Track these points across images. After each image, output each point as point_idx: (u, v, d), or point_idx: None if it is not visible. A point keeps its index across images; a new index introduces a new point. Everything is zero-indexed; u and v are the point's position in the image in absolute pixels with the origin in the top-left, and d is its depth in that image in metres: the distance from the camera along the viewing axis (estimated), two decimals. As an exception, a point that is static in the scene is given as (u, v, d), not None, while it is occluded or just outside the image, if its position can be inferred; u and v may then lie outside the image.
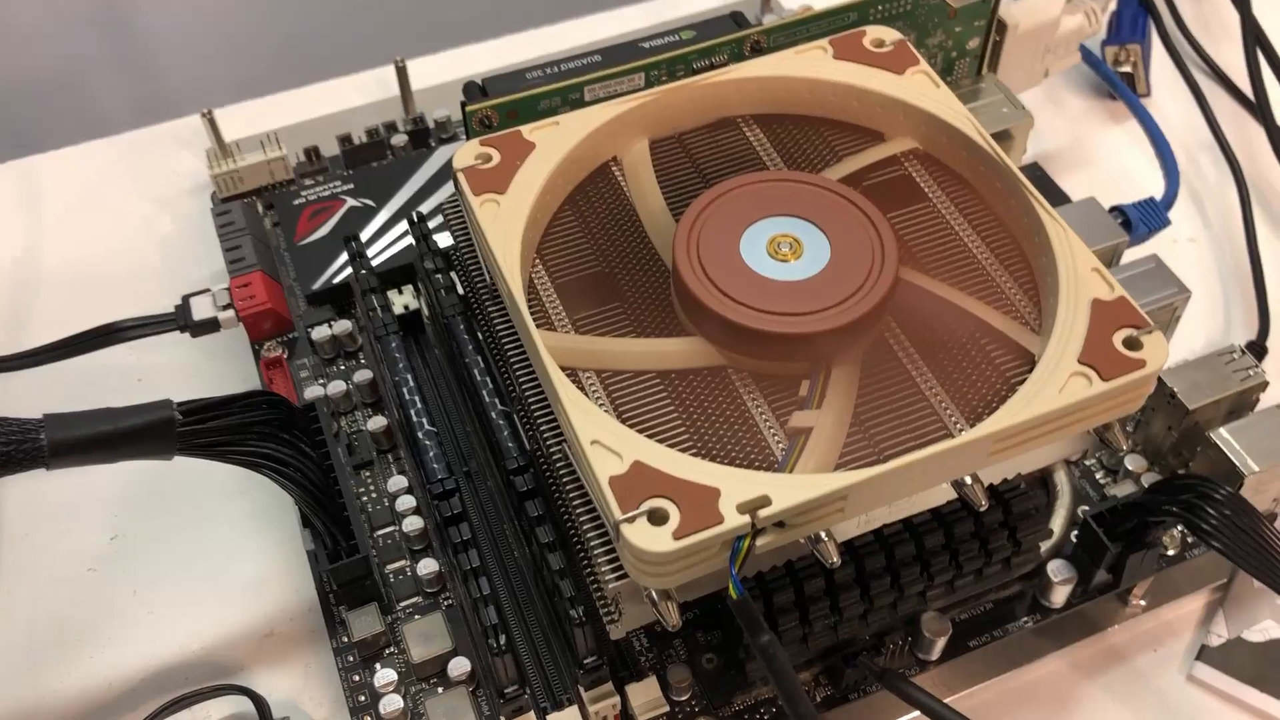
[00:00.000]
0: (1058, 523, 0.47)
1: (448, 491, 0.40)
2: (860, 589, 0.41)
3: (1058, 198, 0.57)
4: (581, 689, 0.40)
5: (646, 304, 0.40)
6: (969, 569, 0.43)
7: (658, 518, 0.34)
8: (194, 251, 0.60)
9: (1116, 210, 0.52)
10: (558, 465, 0.38)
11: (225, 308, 0.52)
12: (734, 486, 0.34)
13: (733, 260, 0.39)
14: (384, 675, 0.43)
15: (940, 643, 0.43)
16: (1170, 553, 0.47)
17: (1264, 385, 0.46)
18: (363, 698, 0.43)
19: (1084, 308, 0.38)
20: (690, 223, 0.40)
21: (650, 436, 0.36)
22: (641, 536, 0.33)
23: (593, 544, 0.36)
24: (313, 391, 0.51)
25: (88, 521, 0.51)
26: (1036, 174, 0.60)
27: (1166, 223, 0.53)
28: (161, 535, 0.50)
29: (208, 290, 0.52)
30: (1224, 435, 0.45)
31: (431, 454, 0.42)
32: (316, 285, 0.53)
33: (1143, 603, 0.46)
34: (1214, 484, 0.40)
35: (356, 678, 0.43)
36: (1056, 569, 0.45)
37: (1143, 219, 0.52)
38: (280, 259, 0.56)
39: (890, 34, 0.46)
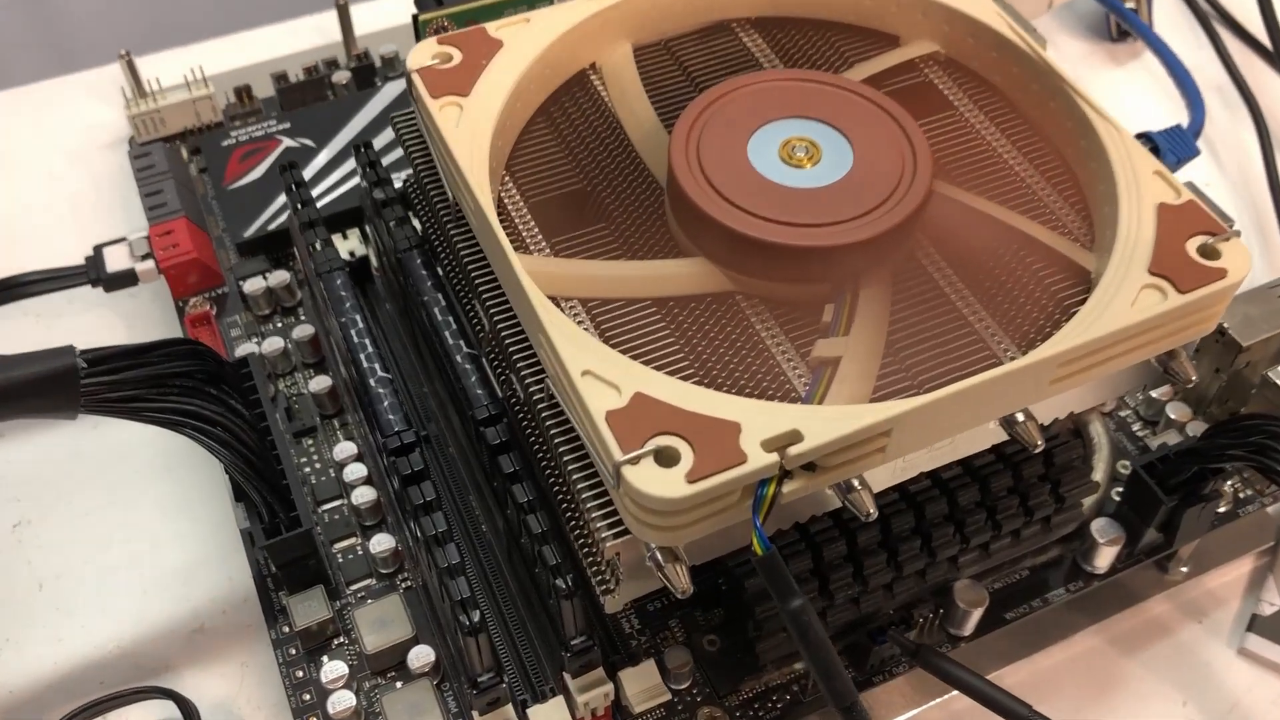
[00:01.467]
0: (1097, 478, 0.42)
1: (406, 446, 0.34)
2: (887, 553, 0.36)
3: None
4: (568, 676, 0.34)
5: (636, 224, 0.34)
6: (1007, 529, 0.37)
7: (666, 458, 0.28)
8: (110, 206, 0.53)
9: (1144, 137, 0.47)
10: (540, 409, 0.32)
11: (144, 258, 0.45)
12: (757, 421, 0.28)
13: (740, 166, 0.33)
14: (332, 669, 0.37)
15: (976, 614, 0.38)
16: (1222, 509, 0.42)
17: (1320, 321, 0.41)
18: (308, 696, 0.37)
19: (1149, 214, 0.33)
20: (689, 126, 0.34)
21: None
22: (647, 480, 0.27)
23: (584, 497, 0.30)
24: (245, 349, 0.44)
25: (-15, 506, 0.44)
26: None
27: (1196, 151, 0.48)
28: (72, 521, 0.43)
29: (124, 239, 0.46)
30: (1284, 373, 0.40)
31: (386, 403, 0.35)
32: (249, 233, 0.47)
33: (1185, 569, 0.41)
34: (1288, 423, 0.35)
35: (300, 673, 0.37)
36: (1102, 528, 0.39)
37: (1171, 147, 0.47)
38: (207, 207, 0.49)
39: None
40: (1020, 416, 0.32)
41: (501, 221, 0.34)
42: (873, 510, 0.30)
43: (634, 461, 0.27)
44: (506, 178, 0.35)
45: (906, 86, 0.38)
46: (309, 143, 0.50)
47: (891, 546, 0.36)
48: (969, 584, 0.38)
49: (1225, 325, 0.41)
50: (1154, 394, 0.44)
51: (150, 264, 0.45)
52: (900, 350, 0.32)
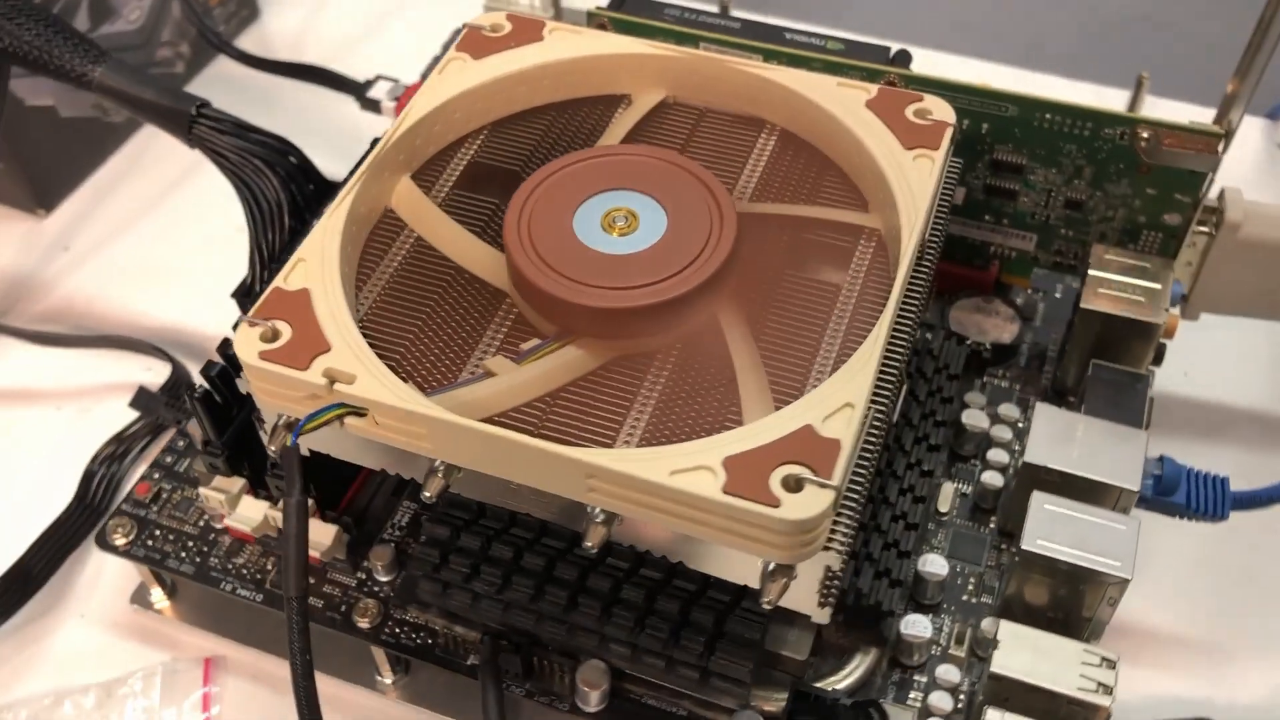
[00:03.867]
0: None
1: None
2: (536, 584, 0.39)
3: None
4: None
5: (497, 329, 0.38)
6: (652, 645, 0.39)
7: (271, 335, 0.35)
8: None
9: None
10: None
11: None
12: (350, 357, 0.35)
13: (571, 244, 0.38)
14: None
15: (588, 693, 0.40)
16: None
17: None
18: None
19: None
20: (516, 220, 0.39)
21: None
22: (245, 341, 0.35)
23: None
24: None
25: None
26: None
27: (1224, 515, 0.42)
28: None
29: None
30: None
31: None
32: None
33: None
34: None
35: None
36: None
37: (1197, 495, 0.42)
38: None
39: (941, 109, 0.40)
40: (598, 512, 0.34)
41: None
42: (431, 494, 0.35)
43: (251, 325, 0.35)
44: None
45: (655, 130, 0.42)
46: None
47: (544, 581, 0.39)
48: (601, 668, 0.40)
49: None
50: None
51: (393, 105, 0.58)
52: (555, 400, 0.35)
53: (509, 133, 0.43)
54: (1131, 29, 0.88)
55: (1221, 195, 0.46)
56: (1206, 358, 0.54)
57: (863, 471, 0.34)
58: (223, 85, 0.67)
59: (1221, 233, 0.46)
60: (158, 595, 0.47)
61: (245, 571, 0.44)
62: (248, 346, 0.35)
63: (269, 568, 0.45)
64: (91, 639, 0.47)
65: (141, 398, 0.50)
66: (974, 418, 0.46)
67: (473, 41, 0.44)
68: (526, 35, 0.44)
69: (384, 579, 0.44)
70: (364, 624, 0.43)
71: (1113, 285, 0.45)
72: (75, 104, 0.61)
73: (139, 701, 0.45)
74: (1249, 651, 0.45)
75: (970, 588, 0.43)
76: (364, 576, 0.44)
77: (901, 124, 0.39)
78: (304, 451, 0.36)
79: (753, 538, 0.32)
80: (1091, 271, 0.46)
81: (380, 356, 0.36)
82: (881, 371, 0.35)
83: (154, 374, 0.54)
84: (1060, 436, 0.42)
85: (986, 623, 0.42)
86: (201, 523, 0.45)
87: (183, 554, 0.45)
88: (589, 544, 0.34)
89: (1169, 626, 0.46)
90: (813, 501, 0.31)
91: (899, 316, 0.37)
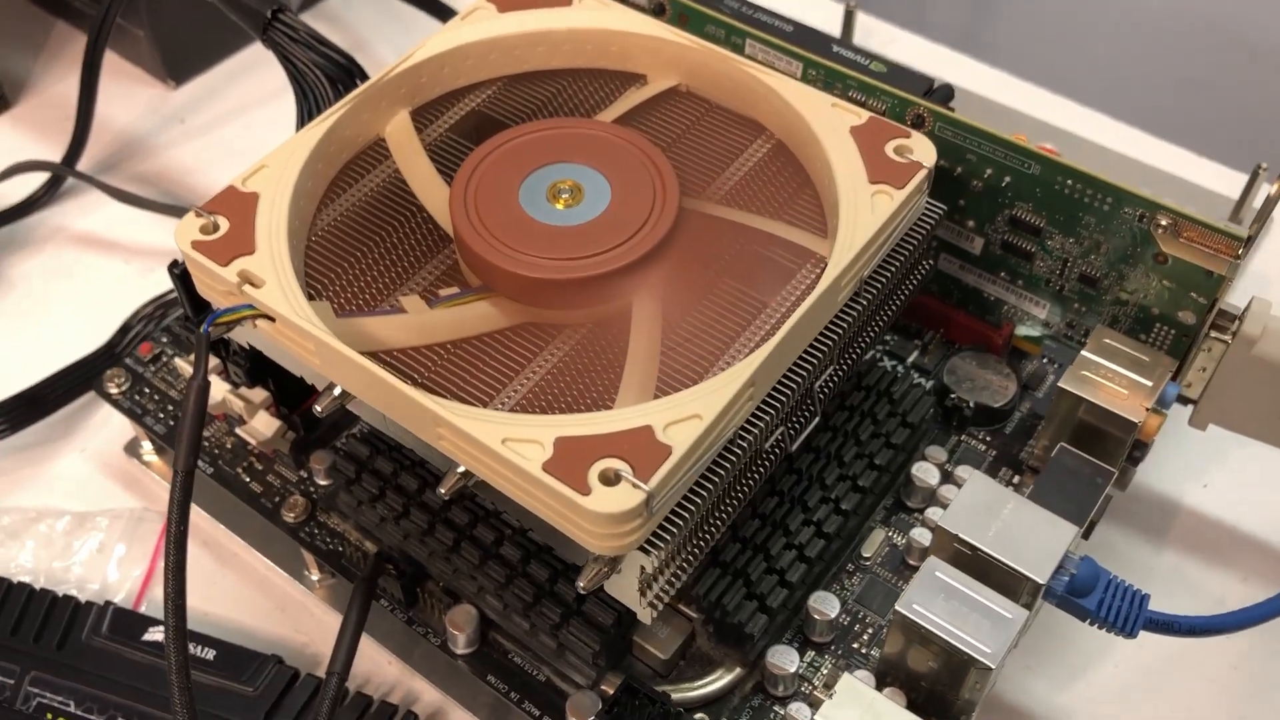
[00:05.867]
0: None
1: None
2: (429, 520, 0.41)
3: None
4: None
5: (435, 273, 0.40)
6: (516, 605, 0.40)
7: (212, 228, 0.38)
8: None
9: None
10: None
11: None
12: (268, 264, 0.37)
13: (514, 211, 0.39)
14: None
15: (455, 635, 0.41)
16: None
17: None
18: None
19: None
20: (465, 178, 0.40)
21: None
22: (186, 228, 0.38)
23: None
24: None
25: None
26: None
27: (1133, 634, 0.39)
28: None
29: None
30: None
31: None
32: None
33: None
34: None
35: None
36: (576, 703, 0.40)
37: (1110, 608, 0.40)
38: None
39: (923, 149, 0.39)
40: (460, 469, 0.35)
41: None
42: (320, 410, 0.37)
43: (197, 214, 0.38)
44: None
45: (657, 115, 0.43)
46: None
47: (438, 518, 0.41)
48: (472, 613, 0.41)
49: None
50: None
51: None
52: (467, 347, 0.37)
53: (519, 90, 0.44)
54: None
55: (1249, 305, 0.43)
56: (1231, 474, 0.50)
57: (711, 484, 0.34)
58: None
59: (1236, 343, 0.42)
60: (148, 449, 0.51)
61: (206, 444, 0.48)
62: (186, 233, 0.38)
63: (228, 446, 0.48)
64: (84, 473, 0.52)
65: (178, 267, 0.54)
66: (924, 471, 0.45)
67: (505, -8, 0.45)
68: (557, -1, 0.45)
69: (322, 483, 0.46)
70: (289, 518, 0.45)
71: (1101, 370, 0.43)
72: (219, -10, 0.66)
73: (100, 537, 0.49)
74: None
75: (865, 637, 0.42)
76: (305, 475, 0.46)
77: (876, 157, 0.38)
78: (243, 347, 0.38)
79: (570, 521, 0.32)
80: (1084, 352, 0.44)
81: (313, 271, 0.38)
82: (769, 394, 0.34)
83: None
84: (986, 510, 0.40)
85: (860, 674, 0.41)
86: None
87: (160, 414, 0.48)
88: (441, 490, 0.35)
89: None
90: (622, 499, 0.31)
91: (814, 347, 0.36)
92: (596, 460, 0.32)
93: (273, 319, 0.37)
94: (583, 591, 0.34)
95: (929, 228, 0.40)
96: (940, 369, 0.48)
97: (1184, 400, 0.45)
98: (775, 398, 0.35)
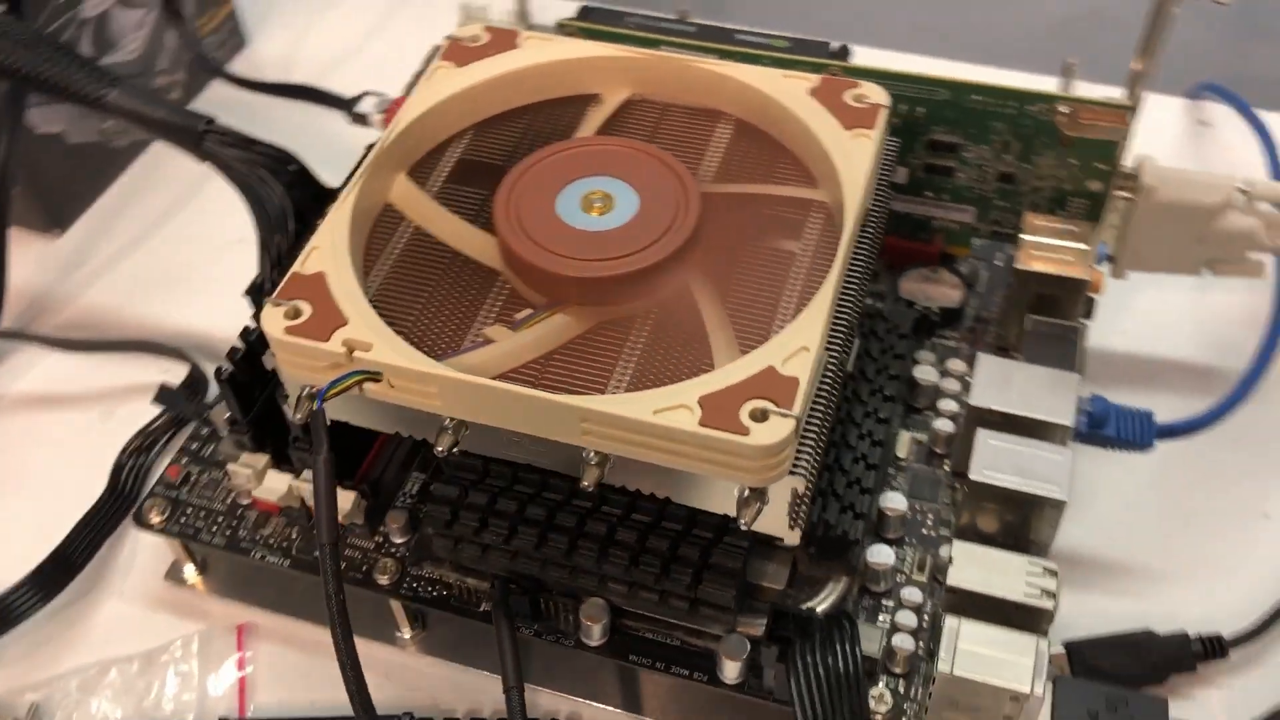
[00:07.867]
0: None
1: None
2: (539, 533, 0.44)
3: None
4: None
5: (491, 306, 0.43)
6: (645, 580, 0.43)
7: (295, 313, 0.40)
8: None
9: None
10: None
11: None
12: (364, 329, 0.39)
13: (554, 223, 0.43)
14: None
15: (590, 627, 0.44)
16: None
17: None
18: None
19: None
20: (505, 203, 0.43)
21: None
22: (271, 319, 0.40)
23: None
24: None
25: None
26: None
27: (1150, 445, 0.47)
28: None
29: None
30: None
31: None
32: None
33: None
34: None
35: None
36: (732, 645, 0.43)
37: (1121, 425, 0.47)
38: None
39: (876, 93, 0.46)
40: (592, 455, 0.39)
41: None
42: (442, 450, 0.40)
43: (276, 305, 0.40)
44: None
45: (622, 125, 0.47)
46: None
47: (548, 529, 0.44)
48: (601, 604, 0.45)
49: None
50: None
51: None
52: (552, 359, 0.40)
53: (492, 132, 0.48)
54: (1071, 27, 0.93)
55: (1142, 163, 0.51)
56: (1139, 316, 0.59)
57: (820, 407, 0.39)
58: (218, 108, 0.71)
59: (1140, 196, 0.51)
60: (190, 571, 0.51)
61: (272, 541, 0.49)
62: (274, 323, 0.39)
63: (293, 536, 0.49)
64: (130, 615, 0.51)
65: (164, 394, 0.55)
66: (925, 373, 0.51)
67: (455, 51, 0.49)
68: (503, 44, 0.49)
69: (399, 540, 0.48)
70: (384, 581, 0.47)
71: (1044, 248, 0.50)
72: (83, 130, 0.66)
73: (179, 666, 0.49)
74: (1181, 573, 0.50)
75: (929, 522, 0.48)
76: (381, 539, 0.48)
77: (841, 108, 0.44)
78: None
79: (728, 465, 0.37)
80: (1024, 236, 0.51)
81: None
82: (832, 321, 0.40)
83: (171, 375, 0.58)
84: (1001, 382, 0.46)
85: (944, 550, 0.46)
86: (229, 500, 0.50)
87: (213, 528, 0.49)
88: (586, 484, 0.39)
89: (1109, 552, 0.51)
90: (777, 429, 0.36)
91: (847, 275, 0.42)
92: (741, 405, 0.36)
93: (378, 378, 0.39)
94: (744, 528, 0.38)
95: (894, 158, 0.46)
96: (896, 290, 0.55)
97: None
98: (842, 320, 0.41)
